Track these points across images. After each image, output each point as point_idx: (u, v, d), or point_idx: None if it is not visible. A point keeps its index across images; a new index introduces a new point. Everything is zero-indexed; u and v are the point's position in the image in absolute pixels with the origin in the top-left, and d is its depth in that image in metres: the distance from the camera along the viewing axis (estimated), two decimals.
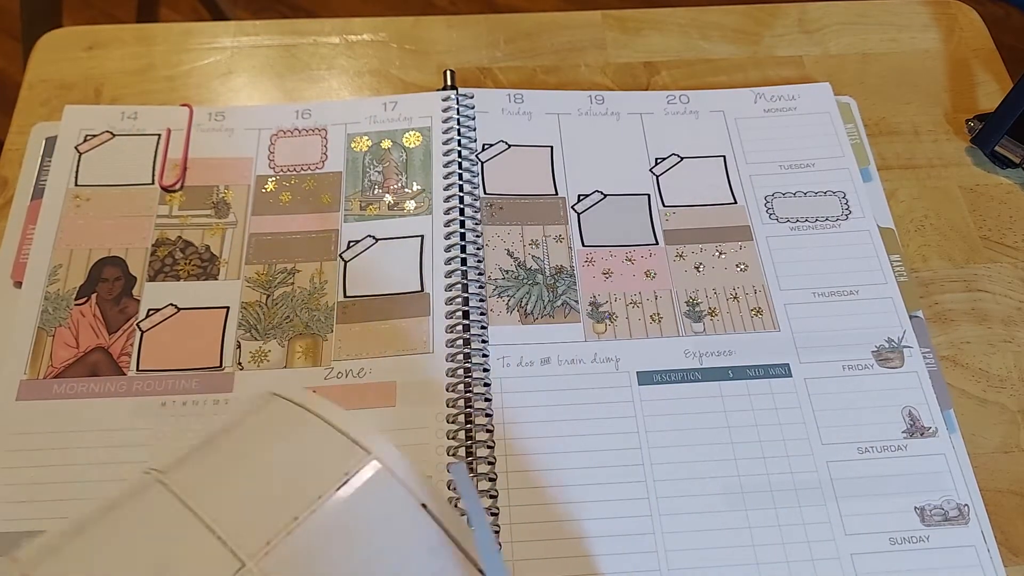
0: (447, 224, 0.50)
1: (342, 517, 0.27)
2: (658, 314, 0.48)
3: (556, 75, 0.59)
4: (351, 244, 0.50)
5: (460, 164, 0.52)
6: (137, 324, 0.47)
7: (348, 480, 0.27)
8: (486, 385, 0.45)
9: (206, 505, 0.27)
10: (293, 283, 0.49)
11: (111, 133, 0.53)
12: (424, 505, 0.28)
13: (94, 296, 0.48)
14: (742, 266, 0.50)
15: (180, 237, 0.50)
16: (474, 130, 0.54)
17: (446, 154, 0.53)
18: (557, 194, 0.52)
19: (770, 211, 0.52)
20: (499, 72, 0.59)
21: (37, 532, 0.29)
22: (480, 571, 0.29)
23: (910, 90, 0.59)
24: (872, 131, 0.56)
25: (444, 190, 0.51)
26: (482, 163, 0.53)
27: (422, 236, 0.50)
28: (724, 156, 0.54)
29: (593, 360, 0.46)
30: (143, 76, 0.57)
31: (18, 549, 0.27)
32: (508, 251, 0.50)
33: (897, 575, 0.41)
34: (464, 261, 0.49)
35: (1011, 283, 0.51)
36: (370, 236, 0.50)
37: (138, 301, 0.48)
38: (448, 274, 0.48)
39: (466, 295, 0.48)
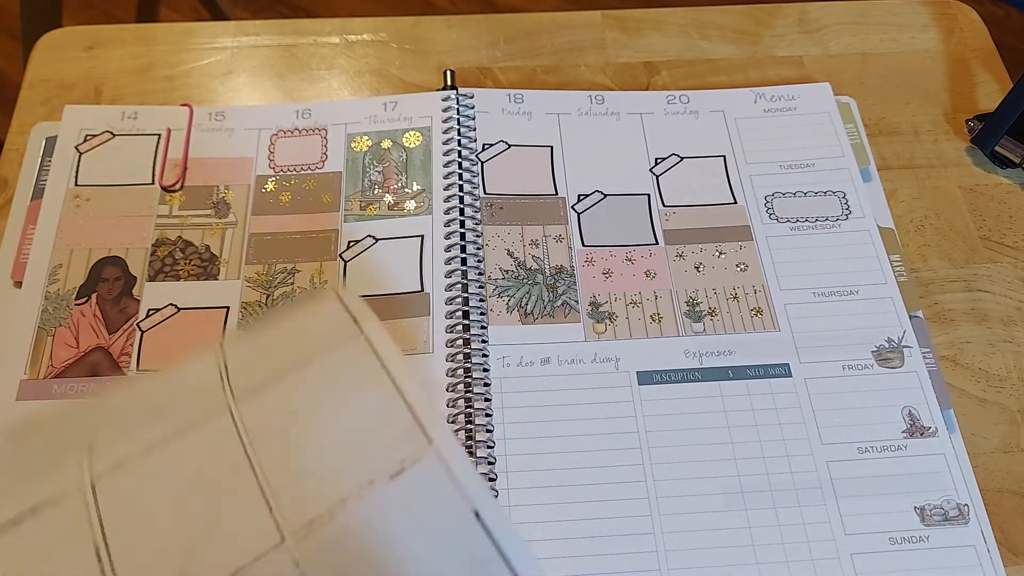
0: (447, 224, 0.50)
1: (387, 511, 0.26)
2: (658, 314, 0.48)
3: (556, 75, 0.59)
4: (351, 244, 0.50)
5: (460, 164, 0.52)
6: (137, 324, 0.47)
7: (403, 470, 0.26)
8: (486, 385, 0.45)
9: (266, 458, 0.26)
10: (293, 283, 0.49)
11: (111, 133, 0.53)
12: (477, 513, 0.26)
13: (94, 296, 0.48)
14: (742, 266, 0.50)
15: (180, 237, 0.50)
16: (474, 130, 0.54)
17: (446, 154, 0.53)
18: (557, 194, 0.52)
19: (770, 211, 0.52)
20: (499, 72, 0.59)
21: None
22: None
23: (910, 90, 0.59)
24: (872, 131, 0.56)
25: (444, 190, 0.51)
26: (482, 163, 0.53)
27: (422, 236, 0.50)
28: (724, 156, 0.54)
29: (593, 360, 0.46)
30: (143, 76, 0.57)
31: (93, 434, 0.27)
32: (508, 251, 0.50)
33: (897, 575, 0.41)
34: (464, 261, 0.49)
35: (1011, 283, 0.51)
36: (370, 236, 0.50)
37: (138, 301, 0.48)
38: (448, 274, 0.48)
39: (466, 295, 0.48)
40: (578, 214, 0.51)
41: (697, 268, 0.50)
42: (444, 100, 0.55)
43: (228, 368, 0.29)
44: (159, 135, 0.53)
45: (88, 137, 0.53)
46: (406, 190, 0.52)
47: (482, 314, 0.47)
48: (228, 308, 0.48)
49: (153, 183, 0.52)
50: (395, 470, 0.26)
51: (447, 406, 0.44)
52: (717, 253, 0.50)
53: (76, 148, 0.52)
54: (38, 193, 0.51)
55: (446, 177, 0.52)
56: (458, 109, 0.54)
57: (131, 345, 0.46)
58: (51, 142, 0.53)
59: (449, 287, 0.48)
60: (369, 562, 0.25)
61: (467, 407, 0.44)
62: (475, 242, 0.50)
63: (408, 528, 0.26)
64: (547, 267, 0.49)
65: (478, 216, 0.51)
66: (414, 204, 0.51)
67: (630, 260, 0.50)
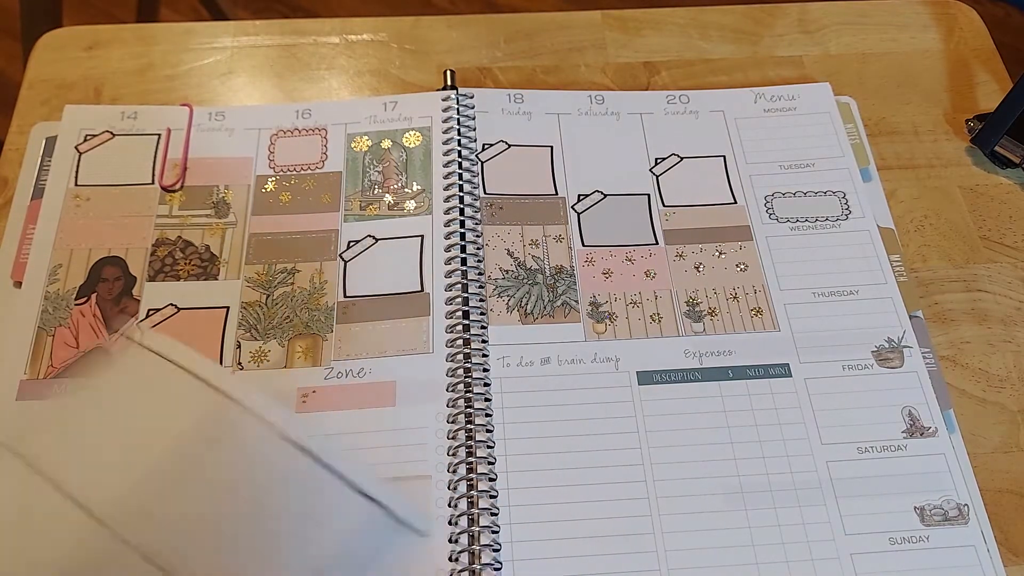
0: (447, 224, 0.50)
1: (213, 468, 0.27)
2: (658, 314, 0.48)
3: (556, 75, 0.59)
4: (351, 244, 0.50)
5: (460, 164, 0.52)
6: (137, 324, 0.47)
7: (215, 435, 0.27)
8: (486, 385, 0.45)
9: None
10: (293, 283, 0.48)
11: (111, 133, 0.53)
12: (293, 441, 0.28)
13: (94, 296, 0.48)
14: (742, 266, 0.50)
15: (180, 237, 0.50)
16: (474, 130, 0.54)
17: (446, 154, 0.53)
18: (557, 194, 0.52)
19: (770, 211, 0.52)
20: (499, 72, 0.59)
21: None
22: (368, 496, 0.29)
23: (910, 90, 0.59)
24: (872, 131, 0.56)
25: (444, 190, 0.51)
26: (482, 163, 0.53)
27: (422, 236, 0.50)
28: (724, 156, 0.54)
29: (593, 360, 0.46)
30: (143, 76, 0.57)
31: None
32: (508, 251, 0.50)
33: (897, 575, 0.41)
34: (464, 261, 0.49)
35: (1011, 283, 0.51)
36: (370, 236, 0.50)
37: (138, 301, 0.48)
38: (448, 274, 0.48)
39: (466, 295, 0.48)
40: (578, 214, 0.51)
41: (697, 268, 0.50)
42: (444, 100, 0.55)
43: None
44: (159, 135, 0.53)
45: (88, 137, 0.53)
46: (406, 190, 0.52)
47: (482, 314, 0.47)
48: (228, 308, 0.48)
49: (153, 183, 0.52)
50: (204, 436, 0.27)
51: (447, 406, 0.44)
52: (717, 253, 0.50)
53: (76, 148, 0.52)
54: (38, 193, 0.51)
55: (446, 177, 0.52)
56: (458, 109, 0.54)
57: None
58: (51, 142, 0.53)
59: (449, 287, 0.48)
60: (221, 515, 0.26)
61: (467, 407, 0.44)
62: (475, 242, 0.50)
63: (227, 475, 0.27)
64: (547, 267, 0.49)
65: (478, 216, 0.51)
66: (414, 204, 0.51)
67: (630, 260, 0.50)
